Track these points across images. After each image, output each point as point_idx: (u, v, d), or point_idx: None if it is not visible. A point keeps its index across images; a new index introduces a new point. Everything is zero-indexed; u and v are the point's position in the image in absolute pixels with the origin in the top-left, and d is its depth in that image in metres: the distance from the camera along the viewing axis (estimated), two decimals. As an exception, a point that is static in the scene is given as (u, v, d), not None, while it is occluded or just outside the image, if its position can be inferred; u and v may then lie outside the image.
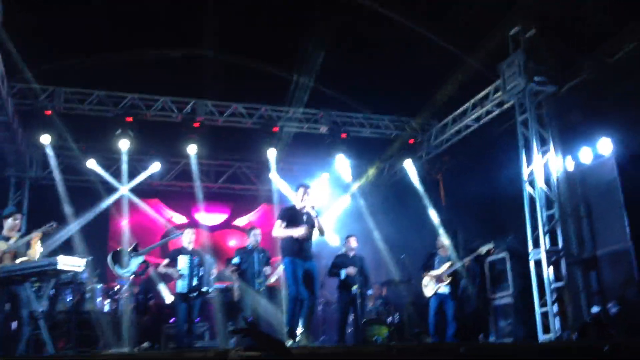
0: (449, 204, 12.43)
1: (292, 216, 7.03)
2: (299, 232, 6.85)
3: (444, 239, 9.42)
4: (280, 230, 6.98)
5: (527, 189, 9.02)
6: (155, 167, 12.11)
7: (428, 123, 12.28)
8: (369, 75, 11.67)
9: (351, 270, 8.64)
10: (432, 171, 12.76)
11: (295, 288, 6.75)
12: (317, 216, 7.00)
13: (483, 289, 9.87)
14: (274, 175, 12.22)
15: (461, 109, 11.12)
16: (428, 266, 9.10)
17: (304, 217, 7.01)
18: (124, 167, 11.34)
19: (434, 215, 11.54)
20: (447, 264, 8.90)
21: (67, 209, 10.90)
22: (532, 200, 8.95)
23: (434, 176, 12.91)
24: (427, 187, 12.50)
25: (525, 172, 9.10)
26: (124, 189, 11.92)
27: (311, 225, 7.01)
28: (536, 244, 8.71)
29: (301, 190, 7.15)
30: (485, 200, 10.37)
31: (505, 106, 10.00)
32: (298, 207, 7.09)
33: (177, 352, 6.61)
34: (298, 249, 6.86)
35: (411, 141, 12.05)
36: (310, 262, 6.99)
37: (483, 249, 8.80)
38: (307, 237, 6.99)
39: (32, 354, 7.01)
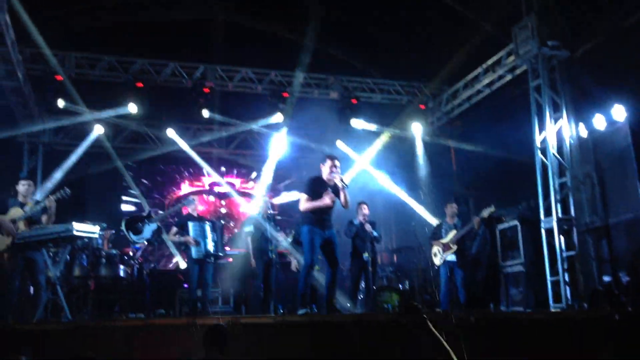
0: (460, 171, 12.37)
1: (318, 187, 6.82)
2: (324, 201, 6.70)
3: (451, 206, 9.42)
4: (307, 204, 6.79)
5: (539, 156, 8.94)
6: (169, 133, 12.07)
7: (439, 88, 12.14)
8: (380, 38, 11.53)
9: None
10: (443, 137, 12.66)
11: (309, 256, 6.71)
12: (344, 189, 6.77)
13: (494, 256, 9.90)
14: (278, 141, 12.26)
15: (473, 74, 10.97)
16: (436, 235, 9.14)
17: (329, 189, 6.81)
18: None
19: (444, 182, 11.52)
20: (453, 232, 8.92)
21: (79, 174, 10.95)
22: (544, 167, 8.87)
23: (445, 142, 12.83)
24: (439, 154, 12.42)
25: (538, 139, 9.01)
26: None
27: (336, 197, 6.92)
28: (548, 212, 8.68)
29: (329, 161, 6.86)
30: (497, 168, 10.30)
31: (518, 71, 9.87)
32: (325, 177, 6.88)
33: (190, 317, 6.70)
34: (318, 219, 6.78)
35: (422, 107, 11.92)
36: (330, 230, 6.90)
37: (485, 213, 8.73)
38: (329, 207, 6.91)
39: (50, 319, 7.14)
